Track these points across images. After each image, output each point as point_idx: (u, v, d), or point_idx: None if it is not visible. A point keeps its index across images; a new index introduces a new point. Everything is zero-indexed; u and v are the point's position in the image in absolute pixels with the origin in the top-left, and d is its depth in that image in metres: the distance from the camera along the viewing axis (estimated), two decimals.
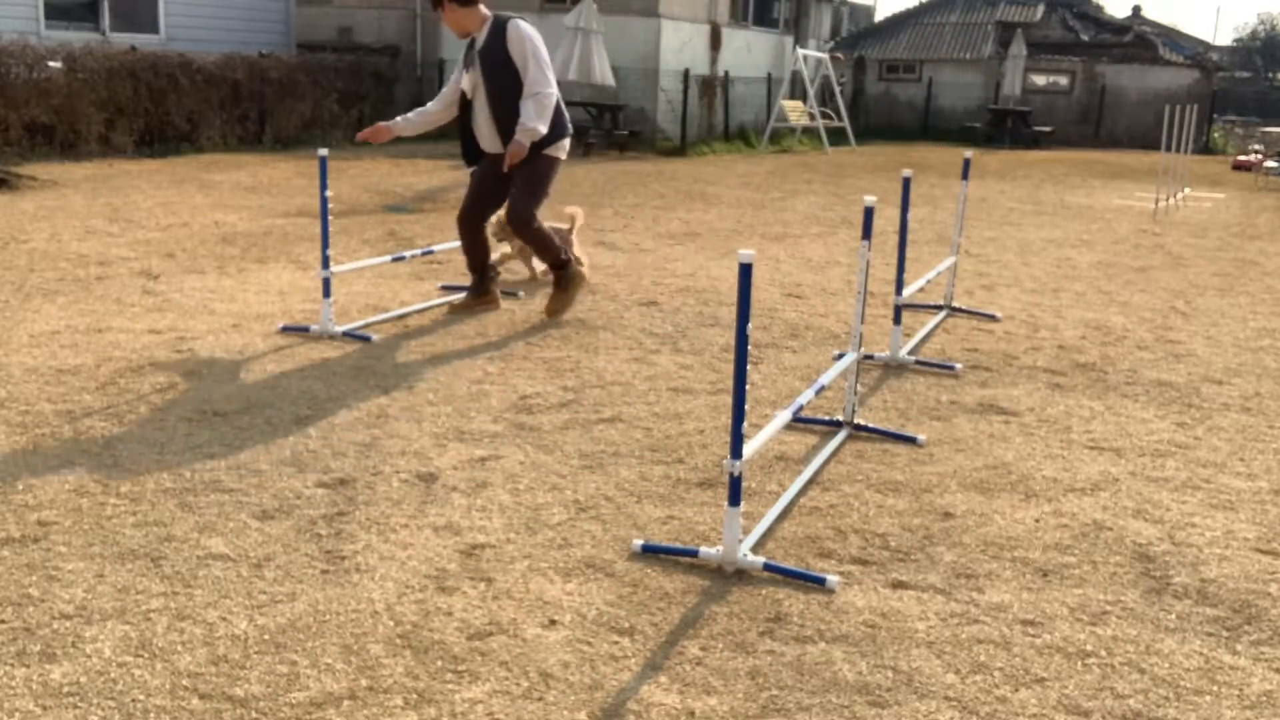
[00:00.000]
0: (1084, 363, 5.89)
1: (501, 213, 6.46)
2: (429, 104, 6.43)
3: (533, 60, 5.91)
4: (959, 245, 7.07)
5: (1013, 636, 2.99)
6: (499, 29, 5.99)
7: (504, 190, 6.22)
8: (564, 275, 6.39)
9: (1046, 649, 2.93)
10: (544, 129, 5.94)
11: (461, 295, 6.64)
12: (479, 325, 6.17)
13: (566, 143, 6.26)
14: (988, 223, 11.65)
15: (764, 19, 24.79)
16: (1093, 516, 3.82)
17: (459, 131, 6.33)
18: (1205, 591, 3.29)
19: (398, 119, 6.26)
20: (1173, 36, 35.00)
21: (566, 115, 6.25)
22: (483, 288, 6.54)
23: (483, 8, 6.06)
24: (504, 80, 5.97)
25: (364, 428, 4.40)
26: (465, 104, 6.21)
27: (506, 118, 6.00)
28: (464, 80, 6.12)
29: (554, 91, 6.01)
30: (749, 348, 3.16)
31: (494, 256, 6.64)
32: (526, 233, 6.24)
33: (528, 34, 5.98)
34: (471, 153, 6.34)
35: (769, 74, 24.39)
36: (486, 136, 6.19)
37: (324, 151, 5.64)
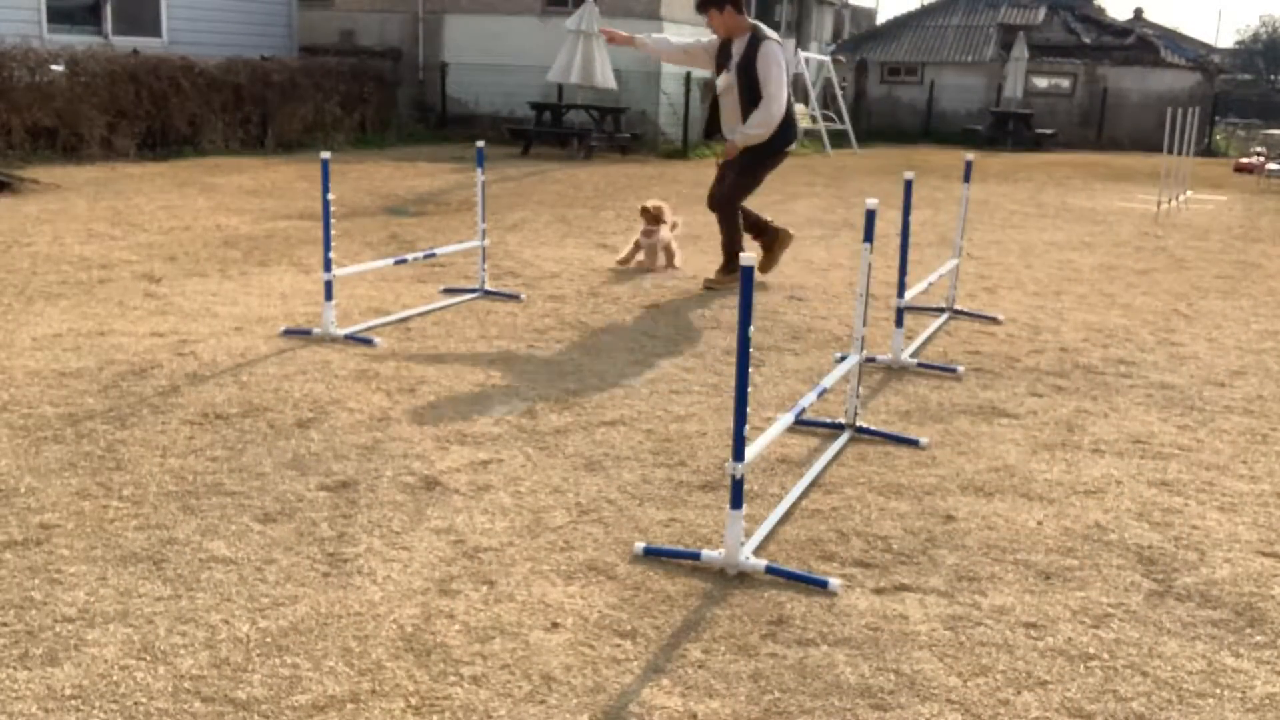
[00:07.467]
0: (1086, 365, 5.89)
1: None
2: (676, 40, 7.76)
3: (773, 78, 7.04)
4: (961, 248, 7.07)
5: (1015, 639, 2.98)
6: (754, 43, 7.10)
7: None
8: (732, 264, 7.42)
9: (1049, 652, 2.93)
10: (761, 135, 7.11)
11: (713, 272, 7.55)
12: (481, 328, 6.17)
13: (791, 147, 7.41)
14: (990, 225, 11.65)
15: (765, 22, 24.76)
16: (1095, 519, 3.82)
17: (708, 112, 7.68)
18: (1208, 594, 3.29)
19: (650, 36, 7.61)
20: (1174, 39, 34.99)
21: (797, 124, 7.43)
22: (769, 235, 7.59)
23: (746, 17, 7.20)
24: (750, 89, 7.08)
25: (366, 430, 4.40)
26: (714, 89, 7.46)
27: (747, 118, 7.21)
28: (720, 80, 7.32)
29: (780, 108, 7.10)
30: (751, 350, 3.16)
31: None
32: (723, 212, 7.38)
33: (774, 56, 7.06)
34: (711, 130, 7.60)
35: None
36: (731, 128, 7.33)
37: (326, 154, 5.64)
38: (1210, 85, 29.41)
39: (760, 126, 7.09)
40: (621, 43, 7.37)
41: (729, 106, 7.31)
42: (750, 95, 7.12)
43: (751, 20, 7.24)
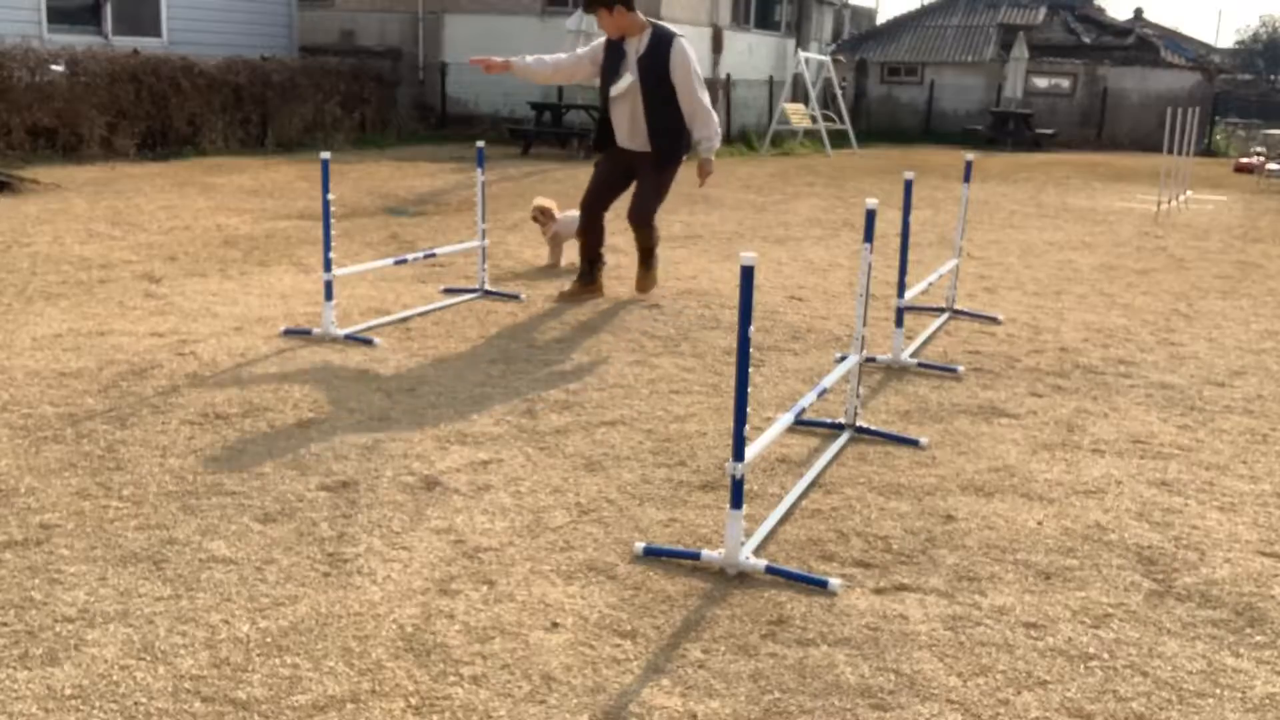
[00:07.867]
0: (1086, 365, 5.89)
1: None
2: (552, 59, 6.93)
3: (696, 81, 6.62)
4: (961, 248, 7.07)
5: (1015, 639, 2.98)
6: (661, 42, 6.58)
7: (627, 182, 6.97)
8: (651, 260, 7.21)
9: (1049, 651, 2.93)
10: (718, 141, 6.85)
11: (569, 283, 7.16)
12: (481, 328, 6.17)
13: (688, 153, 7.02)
14: (990, 225, 11.65)
15: (766, 22, 24.81)
16: (1095, 519, 3.82)
17: (599, 119, 7.01)
18: (1208, 594, 3.29)
19: (524, 58, 6.80)
20: (1175, 39, 35.00)
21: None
22: (592, 276, 7.09)
23: (639, 15, 6.64)
24: (661, 90, 6.57)
25: (366, 430, 4.40)
26: (605, 96, 6.79)
27: (655, 123, 6.66)
28: (619, 82, 6.64)
29: (712, 110, 6.79)
30: (751, 350, 3.16)
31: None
32: (646, 227, 6.99)
33: (689, 56, 6.62)
34: (604, 142, 6.97)
35: (771, 77, 24.40)
36: (632, 134, 6.76)
37: (326, 154, 5.65)
38: (1210, 85, 29.40)
39: (716, 134, 6.76)
40: (498, 70, 6.66)
41: (626, 112, 6.67)
42: (658, 98, 6.56)
43: (646, 17, 6.70)
